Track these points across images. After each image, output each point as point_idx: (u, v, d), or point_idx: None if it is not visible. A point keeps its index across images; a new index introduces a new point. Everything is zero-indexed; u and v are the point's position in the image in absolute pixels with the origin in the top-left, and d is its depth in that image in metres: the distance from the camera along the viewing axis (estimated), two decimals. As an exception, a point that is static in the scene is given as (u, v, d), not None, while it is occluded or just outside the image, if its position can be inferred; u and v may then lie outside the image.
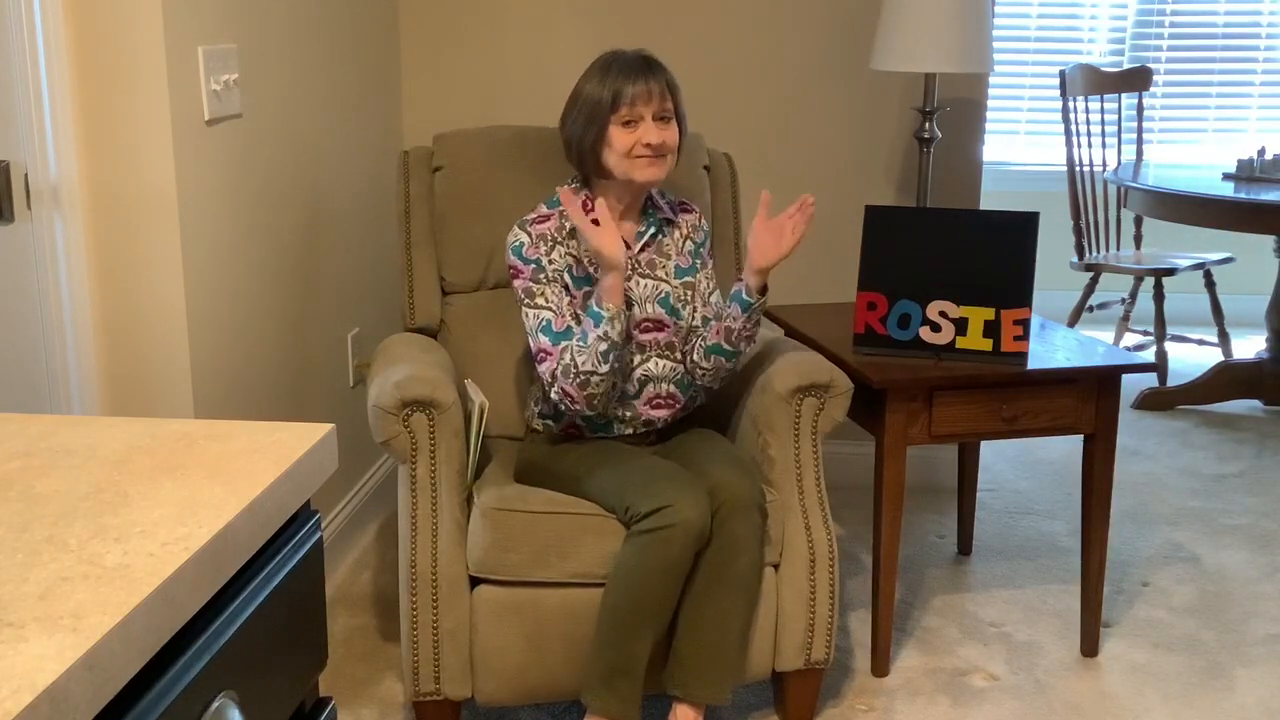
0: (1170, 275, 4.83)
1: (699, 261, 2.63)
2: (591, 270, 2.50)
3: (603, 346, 2.38)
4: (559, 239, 2.51)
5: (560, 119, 2.56)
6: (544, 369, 2.44)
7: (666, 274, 2.57)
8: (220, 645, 1.04)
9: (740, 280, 2.48)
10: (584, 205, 2.52)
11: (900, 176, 3.67)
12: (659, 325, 2.54)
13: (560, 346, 2.43)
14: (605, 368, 2.39)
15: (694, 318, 2.58)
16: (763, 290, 2.47)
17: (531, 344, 2.47)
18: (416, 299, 2.86)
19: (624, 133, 2.45)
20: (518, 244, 2.49)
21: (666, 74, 2.50)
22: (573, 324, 2.46)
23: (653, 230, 2.58)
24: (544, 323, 2.45)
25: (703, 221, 2.69)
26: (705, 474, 2.39)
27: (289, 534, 1.21)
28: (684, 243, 2.62)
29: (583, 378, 2.39)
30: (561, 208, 2.53)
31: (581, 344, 2.39)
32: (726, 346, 2.50)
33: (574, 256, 2.51)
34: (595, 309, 2.39)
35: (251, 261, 2.71)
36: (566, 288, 2.49)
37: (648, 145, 2.45)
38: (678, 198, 2.69)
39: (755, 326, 2.51)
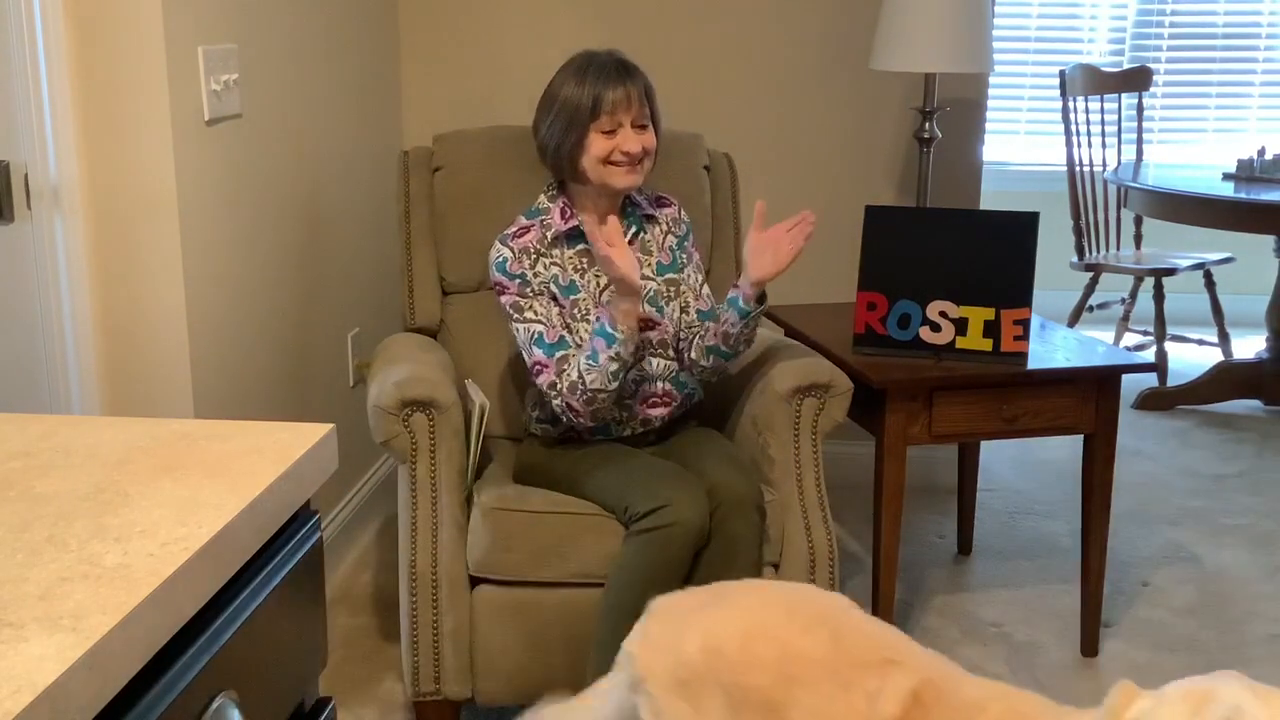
0: (1170, 275, 4.83)
1: (684, 256, 2.62)
2: (576, 277, 2.50)
3: (614, 366, 2.37)
4: (542, 250, 2.49)
5: (534, 122, 2.54)
6: (542, 380, 2.44)
7: (651, 272, 2.57)
8: (220, 645, 1.03)
9: (737, 287, 2.47)
10: (562, 214, 2.51)
11: (900, 176, 3.67)
12: (650, 324, 2.53)
13: (557, 358, 2.42)
14: (614, 385, 2.39)
15: (683, 314, 2.58)
16: (760, 299, 2.46)
17: (526, 358, 2.46)
18: (416, 299, 2.86)
19: (603, 140, 2.44)
20: (501, 259, 2.48)
21: (644, 78, 2.49)
22: (565, 334, 2.45)
23: (635, 229, 2.58)
24: (536, 336, 2.44)
25: (682, 214, 2.67)
26: (704, 473, 2.39)
27: (289, 534, 1.21)
28: (665, 238, 2.61)
29: (589, 394, 2.38)
30: (541, 217, 2.52)
31: (591, 362, 2.37)
32: (724, 348, 2.50)
33: (559, 266, 2.50)
34: (608, 330, 2.36)
35: (251, 261, 2.71)
36: (554, 298, 2.49)
37: (625, 153, 2.44)
38: (654, 192, 2.67)
39: (753, 330, 2.51)
